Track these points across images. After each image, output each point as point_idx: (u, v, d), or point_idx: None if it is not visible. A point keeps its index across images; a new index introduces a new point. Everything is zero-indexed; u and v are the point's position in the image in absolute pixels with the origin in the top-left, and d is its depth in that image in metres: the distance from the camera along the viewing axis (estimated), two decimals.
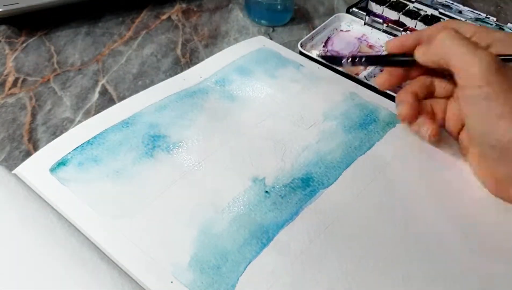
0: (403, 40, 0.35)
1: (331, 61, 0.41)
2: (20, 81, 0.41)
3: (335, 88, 0.40)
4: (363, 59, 0.37)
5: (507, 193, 0.31)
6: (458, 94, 0.31)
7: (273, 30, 0.50)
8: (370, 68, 0.44)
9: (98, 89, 0.41)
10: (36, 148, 0.35)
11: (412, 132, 0.35)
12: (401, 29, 0.49)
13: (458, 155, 0.34)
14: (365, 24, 0.50)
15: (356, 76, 0.42)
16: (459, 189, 0.32)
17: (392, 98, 0.40)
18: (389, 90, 0.36)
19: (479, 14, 0.53)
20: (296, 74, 0.41)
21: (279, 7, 0.49)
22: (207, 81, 0.40)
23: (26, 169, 0.32)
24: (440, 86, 0.34)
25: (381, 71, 0.43)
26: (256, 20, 0.51)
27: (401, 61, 0.35)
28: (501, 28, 0.50)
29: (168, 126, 0.35)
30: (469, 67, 0.29)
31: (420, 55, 0.33)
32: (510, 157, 0.29)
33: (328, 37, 0.48)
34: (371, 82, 0.42)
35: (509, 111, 0.28)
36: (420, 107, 0.34)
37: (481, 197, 0.32)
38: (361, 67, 0.44)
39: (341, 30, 0.50)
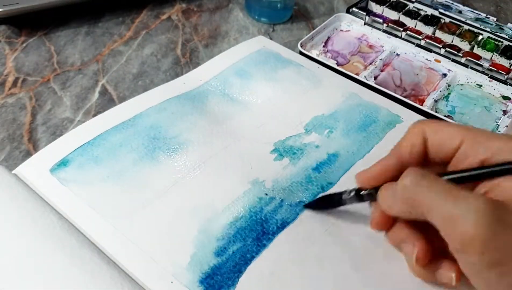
0: (373, 172, 0.26)
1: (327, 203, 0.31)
2: (20, 81, 0.41)
3: (335, 89, 0.40)
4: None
5: None
6: (455, 256, 0.22)
7: (273, 30, 0.50)
8: (370, 68, 0.44)
9: (98, 89, 0.41)
10: (36, 148, 0.35)
11: (394, 245, 0.27)
12: (401, 29, 0.49)
13: None
14: (365, 24, 0.50)
15: (356, 76, 0.42)
16: None
17: (392, 98, 0.40)
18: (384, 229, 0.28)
19: (479, 14, 0.53)
20: (296, 75, 0.41)
21: (279, 5, 0.49)
22: (207, 84, 0.40)
23: (26, 169, 0.32)
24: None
25: (382, 71, 0.43)
26: (256, 18, 0.51)
27: (357, 196, 0.28)
28: (501, 28, 0.50)
29: (169, 128, 0.35)
30: (457, 226, 0.20)
31: (386, 207, 0.25)
32: None
33: (328, 37, 0.48)
34: (371, 83, 0.42)
35: None
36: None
37: None
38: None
39: (341, 30, 0.50)
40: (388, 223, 0.26)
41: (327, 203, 0.30)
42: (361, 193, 0.27)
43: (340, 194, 0.28)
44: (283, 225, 0.29)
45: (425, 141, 0.25)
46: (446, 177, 0.23)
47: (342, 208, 0.30)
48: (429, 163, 0.25)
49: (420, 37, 0.48)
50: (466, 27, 0.49)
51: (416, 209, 0.23)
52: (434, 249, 0.25)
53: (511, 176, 0.21)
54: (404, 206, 0.23)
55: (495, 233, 0.20)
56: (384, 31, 0.49)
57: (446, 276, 0.24)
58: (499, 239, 0.20)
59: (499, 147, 0.22)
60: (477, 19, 0.50)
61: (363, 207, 0.31)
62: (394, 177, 0.25)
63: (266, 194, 0.31)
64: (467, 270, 0.22)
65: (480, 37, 0.48)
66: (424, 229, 0.25)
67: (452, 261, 0.24)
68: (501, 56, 0.45)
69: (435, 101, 0.41)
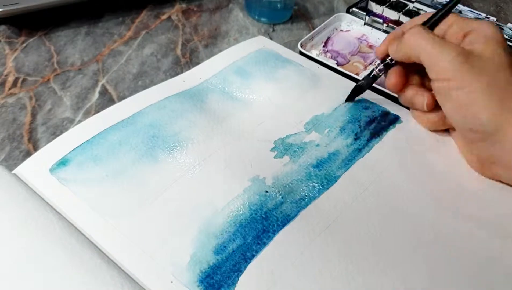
0: (386, 42, 0.36)
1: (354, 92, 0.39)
2: (20, 81, 0.41)
3: (335, 89, 0.40)
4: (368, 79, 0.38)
5: (490, 171, 0.32)
6: (432, 87, 0.33)
7: (273, 30, 0.50)
8: (370, 68, 0.44)
9: (98, 89, 0.41)
10: (36, 148, 0.35)
11: (406, 104, 0.37)
12: None
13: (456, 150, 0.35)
14: (365, 24, 0.50)
15: (356, 76, 0.42)
16: (456, 182, 0.33)
17: (392, 98, 0.40)
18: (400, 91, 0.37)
19: (479, 14, 0.53)
20: (296, 75, 0.41)
21: (279, 5, 0.49)
22: (207, 82, 0.40)
23: (26, 169, 0.32)
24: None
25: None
26: (256, 18, 0.51)
27: (384, 65, 0.37)
28: (501, 28, 0.50)
29: (168, 126, 0.35)
30: (436, 61, 0.31)
31: (393, 53, 0.35)
32: (487, 139, 0.30)
33: (328, 37, 0.48)
34: None
35: (477, 99, 0.30)
36: (409, 79, 0.36)
37: (476, 187, 0.33)
38: (362, 68, 0.44)
39: (341, 30, 0.50)
40: (401, 84, 0.36)
41: (362, 88, 0.38)
42: (386, 60, 0.36)
43: (369, 74, 0.37)
44: (284, 222, 0.29)
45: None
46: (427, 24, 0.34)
47: (344, 208, 0.30)
48: None
49: None
50: None
51: (413, 52, 0.33)
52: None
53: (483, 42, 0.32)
54: (405, 52, 0.34)
55: (459, 66, 0.30)
56: (384, 31, 0.49)
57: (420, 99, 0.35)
58: (462, 71, 0.30)
59: (475, 27, 0.32)
60: (477, 19, 0.50)
61: (363, 207, 0.31)
62: None
63: (267, 191, 0.31)
64: (440, 96, 0.33)
65: None
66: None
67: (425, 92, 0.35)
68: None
69: None
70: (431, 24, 0.35)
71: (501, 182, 0.32)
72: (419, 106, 0.35)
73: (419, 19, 0.36)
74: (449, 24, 0.34)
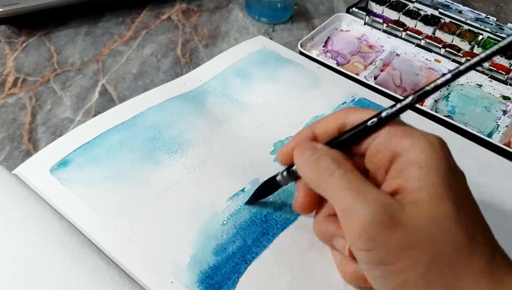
0: (290, 147, 0.26)
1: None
2: (20, 81, 0.41)
3: (335, 89, 0.40)
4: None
5: None
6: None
7: (273, 30, 0.50)
8: (370, 68, 0.44)
9: (98, 89, 0.41)
10: (36, 148, 0.35)
11: (322, 239, 0.26)
12: (401, 29, 0.49)
13: None
14: (365, 24, 0.50)
15: (356, 76, 0.42)
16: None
17: (393, 98, 0.40)
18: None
19: (479, 14, 0.53)
20: (296, 75, 0.41)
21: (279, 5, 0.49)
22: (207, 85, 0.40)
23: (26, 169, 0.32)
24: None
25: (382, 71, 0.43)
26: (256, 18, 0.51)
27: (288, 174, 0.27)
28: (501, 28, 0.50)
29: (168, 128, 0.35)
30: (351, 220, 0.21)
31: (301, 171, 0.24)
32: None
33: (328, 37, 0.48)
34: (371, 83, 0.42)
35: (412, 279, 0.20)
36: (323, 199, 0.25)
37: None
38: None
39: (341, 30, 0.50)
40: (311, 205, 0.26)
41: (266, 191, 0.30)
42: (292, 168, 0.26)
43: (274, 177, 0.28)
44: (283, 225, 0.29)
45: (344, 125, 0.24)
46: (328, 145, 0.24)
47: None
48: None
49: (420, 37, 0.48)
50: (466, 27, 0.49)
51: (314, 186, 0.23)
52: None
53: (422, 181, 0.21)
54: (305, 180, 0.24)
55: (384, 234, 0.20)
56: (384, 31, 0.49)
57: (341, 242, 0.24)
58: (386, 240, 0.20)
59: (407, 146, 0.22)
60: (477, 19, 0.50)
61: None
62: None
63: None
64: (360, 265, 0.22)
65: (480, 37, 0.48)
66: None
67: None
68: (501, 56, 0.45)
69: (435, 101, 0.41)
70: (340, 142, 0.24)
71: None
72: (339, 249, 0.25)
73: (342, 114, 0.25)
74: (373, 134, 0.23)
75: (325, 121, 0.25)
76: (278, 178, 0.27)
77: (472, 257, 0.20)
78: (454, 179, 0.21)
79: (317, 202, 0.26)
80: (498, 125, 0.39)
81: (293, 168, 0.26)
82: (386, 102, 0.39)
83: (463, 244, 0.20)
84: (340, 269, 0.26)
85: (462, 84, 0.44)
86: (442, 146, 0.22)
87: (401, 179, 0.21)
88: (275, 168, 0.33)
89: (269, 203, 0.31)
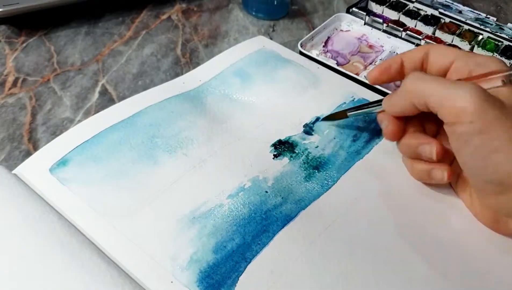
0: (381, 69, 0.33)
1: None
2: (20, 81, 0.41)
3: (335, 89, 0.40)
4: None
5: (506, 227, 0.29)
6: (447, 132, 0.28)
7: (273, 30, 0.50)
8: (370, 68, 0.44)
9: (98, 89, 0.41)
10: (36, 148, 0.35)
11: (409, 154, 0.32)
12: (401, 29, 0.49)
13: None
14: (365, 24, 0.50)
15: (356, 76, 0.42)
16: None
17: None
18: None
19: (479, 14, 0.53)
20: (296, 75, 0.41)
21: (275, 1, 0.50)
22: (207, 84, 0.40)
23: (26, 169, 0.32)
24: (426, 125, 0.32)
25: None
26: (253, 13, 0.51)
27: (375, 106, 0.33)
28: (501, 28, 0.50)
29: (168, 126, 0.35)
30: (455, 102, 0.26)
31: (389, 108, 0.31)
32: (509, 192, 0.26)
33: (328, 37, 0.48)
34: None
35: (504, 144, 0.25)
36: (407, 125, 0.32)
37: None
38: (361, 69, 0.44)
39: (341, 30, 0.50)
40: (400, 132, 0.31)
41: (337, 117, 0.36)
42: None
43: (347, 110, 0.35)
44: (284, 223, 0.29)
45: (427, 56, 0.31)
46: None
47: (344, 209, 0.31)
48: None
49: (420, 37, 0.48)
50: (466, 27, 0.49)
51: (419, 98, 0.28)
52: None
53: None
54: (408, 100, 0.29)
55: (482, 108, 0.25)
56: (384, 31, 0.49)
57: (439, 173, 0.30)
58: (484, 112, 0.25)
59: (482, 61, 0.29)
60: (477, 19, 0.50)
61: (362, 208, 0.31)
62: (394, 78, 0.33)
63: (266, 192, 0.31)
64: (458, 142, 0.27)
65: (480, 37, 0.48)
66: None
67: (444, 165, 0.30)
68: (501, 56, 0.45)
69: None
70: None
71: None
72: (426, 156, 0.30)
73: (427, 48, 0.32)
74: (450, 62, 0.30)
75: (411, 52, 0.32)
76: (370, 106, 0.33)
77: None
78: None
79: (403, 128, 0.31)
80: None
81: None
82: None
83: None
84: (411, 169, 0.32)
85: None
86: (504, 63, 0.29)
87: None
88: (276, 166, 0.33)
89: (269, 200, 0.31)
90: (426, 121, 0.32)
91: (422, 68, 0.32)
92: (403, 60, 0.32)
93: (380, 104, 0.32)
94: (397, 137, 0.31)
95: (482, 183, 0.27)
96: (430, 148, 0.30)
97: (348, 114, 0.35)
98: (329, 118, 0.37)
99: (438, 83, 0.27)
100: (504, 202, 0.27)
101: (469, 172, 0.28)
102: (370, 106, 0.33)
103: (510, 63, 0.45)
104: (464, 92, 0.26)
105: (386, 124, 0.32)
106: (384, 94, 0.40)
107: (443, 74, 0.31)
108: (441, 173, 0.30)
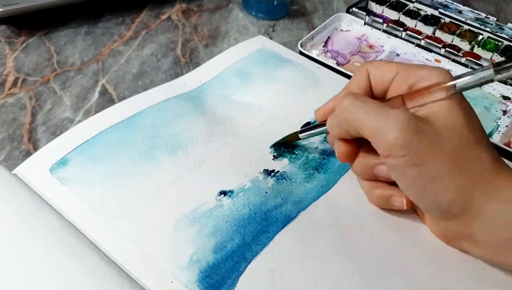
0: (327, 108, 0.31)
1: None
2: (20, 81, 0.41)
3: (335, 89, 0.40)
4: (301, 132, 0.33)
5: (459, 246, 0.28)
6: (385, 165, 0.27)
7: (273, 30, 0.50)
8: None
9: (98, 89, 0.41)
10: (36, 148, 0.35)
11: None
12: (401, 29, 0.49)
13: None
14: (365, 24, 0.50)
15: None
16: None
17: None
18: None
19: (479, 14, 0.53)
20: (296, 75, 0.41)
21: (275, 1, 0.50)
22: (207, 85, 0.40)
23: (26, 169, 0.32)
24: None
25: None
26: (253, 13, 0.51)
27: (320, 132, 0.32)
28: (501, 28, 0.50)
29: (168, 126, 0.35)
30: (382, 134, 0.25)
31: (332, 129, 0.29)
32: (453, 219, 0.26)
33: (328, 37, 0.48)
34: None
35: (440, 174, 0.25)
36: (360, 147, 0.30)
37: None
38: None
39: (341, 30, 0.50)
40: (352, 153, 0.29)
41: (289, 140, 0.34)
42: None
43: (299, 130, 0.33)
44: (284, 223, 0.29)
45: (368, 76, 0.29)
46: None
47: (344, 209, 0.31)
48: (374, 98, 0.29)
49: (420, 37, 0.48)
50: (466, 27, 0.49)
51: (352, 125, 0.27)
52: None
53: (436, 102, 0.26)
54: (343, 125, 0.28)
55: (413, 140, 0.25)
56: (384, 31, 0.49)
57: (398, 201, 0.29)
58: (416, 144, 0.25)
59: (424, 74, 0.27)
60: (477, 19, 0.50)
61: (362, 208, 0.31)
62: None
63: (266, 192, 0.31)
64: (395, 174, 0.27)
65: (480, 37, 0.48)
66: None
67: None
68: (501, 56, 0.45)
69: None
70: None
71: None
72: (383, 176, 0.29)
73: (364, 67, 0.29)
74: (391, 78, 0.28)
75: (354, 79, 0.30)
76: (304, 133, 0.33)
77: (481, 155, 0.26)
78: (462, 98, 0.27)
79: (356, 148, 0.29)
80: (498, 125, 0.39)
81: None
82: None
83: (474, 144, 0.25)
84: (369, 194, 0.30)
85: None
86: (449, 74, 0.27)
87: (420, 100, 0.27)
88: (275, 166, 0.33)
89: (269, 200, 0.31)
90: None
91: (370, 89, 0.30)
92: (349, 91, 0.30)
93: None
94: (351, 158, 0.30)
95: (426, 210, 0.28)
96: (401, 199, 0.29)
97: (300, 135, 0.33)
98: (281, 142, 0.35)
99: (368, 111, 0.26)
100: (449, 226, 0.27)
101: (413, 199, 0.27)
102: (319, 127, 0.32)
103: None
104: (393, 124, 0.25)
105: (337, 145, 0.30)
106: None
107: (387, 90, 0.29)
108: (400, 200, 0.29)
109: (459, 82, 0.26)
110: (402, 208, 0.29)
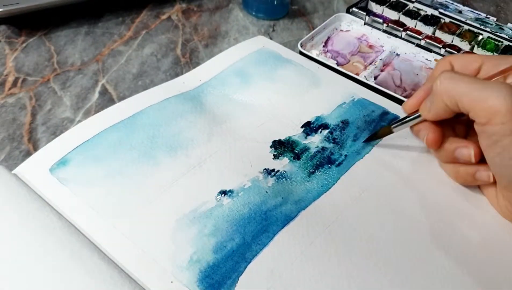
0: (418, 97, 0.32)
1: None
2: (20, 81, 0.41)
3: (335, 89, 0.40)
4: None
5: None
6: (477, 131, 0.28)
7: (273, 30, 0.50)
8: (370, 68, 0.44)
9: (98, 89, 0.41)
10: (36, 148, 0.35)
11: (447, 159, 0.32)
12: (401, 29, 0.49)
13: None
14: (365, 24, 0.50)
15: (356, 76, 0.42)
16: (455, 188, 0.32)
17: (391, 98, 0.40)
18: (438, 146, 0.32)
19: (479, 14, 0.53)
20: (296, 75, 0.41)
21: (276, 1, 0.50)
22: (207, 84, 0.40)
23: (26, 169, 0.32)
24: (457, 128, 0.32)
25: (382, 71, 0.44)
26: (253, 13, 0.51)
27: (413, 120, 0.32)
28: (501, 28, 0.50)
29: (168, 126, 0.35)
30: (487, 103, 0.26)
31: (426, 113, 0.31)
32: None
33: (328, 37, 0.48)
34: (371, 83, 0.42)
35: None
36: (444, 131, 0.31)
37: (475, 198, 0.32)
38: (364, 71, 0.44)
39: (341, 30, 0.50)
40: (441, 139, 0.31)
41: (381, 135, 0.35)
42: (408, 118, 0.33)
43: (402, 120, 0.33)
44: (284, 223, 0.29)
45: (452, 66, 0.31)
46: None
47: (344, 208, 0.31)
48: None
49: (420, 37, 0.48)
50: (466, 27, 0.49)
51: (452, 97, 0.28)
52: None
53: None
54: (443, 100, 0.29)
55: (511, 106, 0.25)
56: (384, 31, 0.49)
57: (484, 174, 0.30)
58: None
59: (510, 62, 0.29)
60: (477, 19, 0.50)
61: (362, 207, 0.31)
62: None
63: (267, 192, 0.31)
64: (488, 141, 0.27)
65: (480, 37, 0.48)
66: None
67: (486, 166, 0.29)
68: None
69: None
70: None
71: None
72: (465, 159, 0.31)
73: (449, 59, 0.32)
74: (477, 67, 0.30)
75: (436, 70, 0.32)
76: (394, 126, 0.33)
77: None
78: None
79: (443, 134, 0.31)
80: None
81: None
82: (386, 102, 0.39)
83: None
84: (453, 173, 0.32)
85: None
86: None
87: None
88: (276, 165, 0.33)
89: (269, 200, 0.31)
90: (456, 124, 0.32)
91: None
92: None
93: (419, 115, 0.32)
94: (439, 144, 0.31)
95: (507, 182, 0.28)
96: (468, 151, 0.30)
97: (394, 129, 0.34)
98: (372, 138, 0.35)
99: (470, 83, 0.27)
100: None
101: (496, 170, 0.29)
102: (409, 117, 0.33)
103: None
104: (496, 92, 0.26)
105: (425, 133, 0.31)
106: (384, 94, 0.40)
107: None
108: (486, 174, 0.30)
109: None
110: (488, 182, 0.30)
